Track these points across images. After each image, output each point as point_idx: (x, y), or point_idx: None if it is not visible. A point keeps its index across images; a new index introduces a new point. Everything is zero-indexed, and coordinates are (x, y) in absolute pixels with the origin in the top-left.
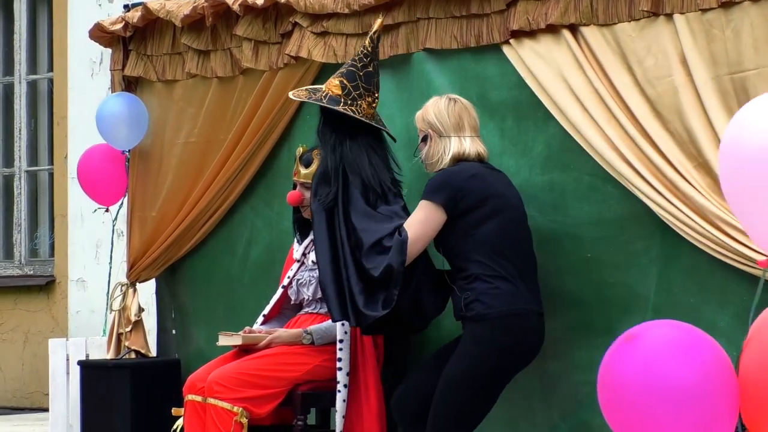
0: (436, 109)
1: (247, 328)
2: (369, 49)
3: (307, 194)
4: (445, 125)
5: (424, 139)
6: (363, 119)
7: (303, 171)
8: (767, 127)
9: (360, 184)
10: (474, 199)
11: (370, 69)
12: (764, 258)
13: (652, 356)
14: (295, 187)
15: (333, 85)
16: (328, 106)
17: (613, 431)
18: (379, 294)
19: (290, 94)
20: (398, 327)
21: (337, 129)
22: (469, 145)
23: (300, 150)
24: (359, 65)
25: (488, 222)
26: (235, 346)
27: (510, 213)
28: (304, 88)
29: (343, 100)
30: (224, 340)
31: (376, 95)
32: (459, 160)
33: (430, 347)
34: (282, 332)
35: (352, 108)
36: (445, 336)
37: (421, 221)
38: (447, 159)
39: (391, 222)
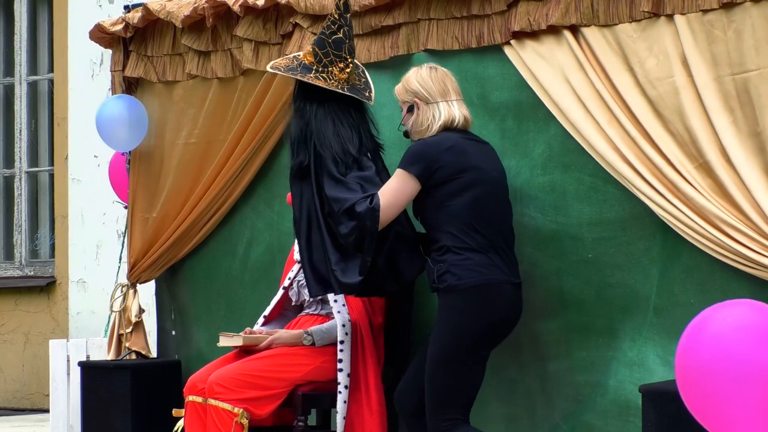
0: (418, 77)
1: (247, 329)
2: (336, 16)
3: None
4: (431, 92)
5: (410, 109)
6: (328, 88)
7: None
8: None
9: (329, 153)
10: (448, 172)
11: (339, 35)
12: None
13: (728, 336)
14: None
15: (307, 52)
16: (290, 75)
17: (692, 413)
18: (354, 261)
19: (268, 67)
20: (377, 289)
21: (307, 96)
22: (457, 108)
23: None
24: (327, 32)
25: (462, 195)
26: (235, 347)
27: (486, 186)
28: (284, 56)
29: (315, 67)
30: (225, 341)
31: (349, 60)
32: (447, 126)
33: None
34: (283, 333)
35: (323, 75)
36: None
37: (394, 190)
38: (437, 125)
39: (363, 190)
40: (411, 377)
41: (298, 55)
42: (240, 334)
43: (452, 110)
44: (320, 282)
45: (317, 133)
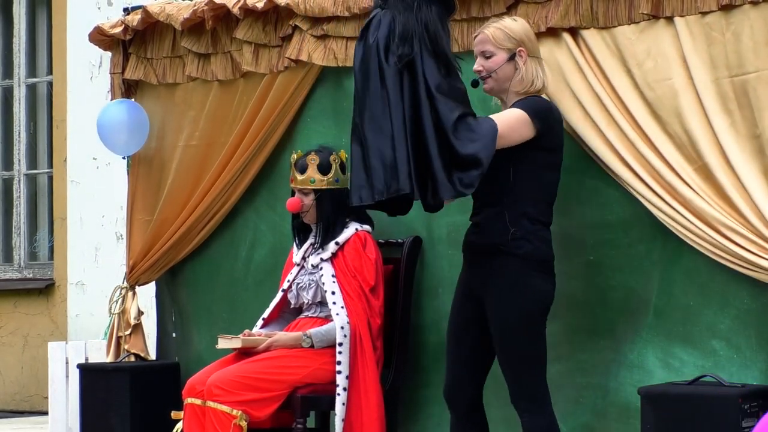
0: (521, 26)
1: (246, 331)
2: None
3: (306, 200)
4: (534, 45)
5: (511, 57)
6: None
7: (299, 177)
8: None
9: (438, 55)
10: (556, 144)
11: None
12: None
13: None
14: (293, 194)
15: None
16: None
17: None
18: (458, 173)
19: None
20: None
21: None
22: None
23: (294, 156)
24: None
25: (554, 170)
26: (234, 349)
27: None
28: None
29: None
30: (223, 342)
31: None
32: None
33: (429, 350)
34: (281, 335)
35: None
36: (444, 341)
37: (511, 126)
38: (540, 83)
39: (469, 105)
40: (458, 372)
41: None
42: (239, 336)
43: (546, 72)
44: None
45: (432, 34)
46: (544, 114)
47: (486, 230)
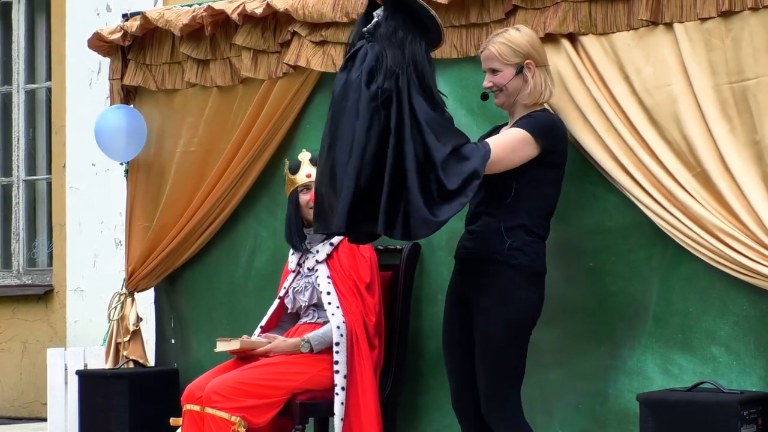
0: (526, 37)
1: (245, 336)
2: None
3: (305, 198)
4: (541, 55)
5: (519, 71)
6: (437, 19)
7: (297, 176)
8: None
9: (425, 90)
10: (561, 161)
11: None
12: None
13: None
14: (294, 198)
15: None
16: None
17: None
18: (442, 206)
19: None
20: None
21: (405, 26)
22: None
23: (287, 162)
24: None
25: (557, 185)
26: (232, 352)
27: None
28: None
29: None
30: (222, 345)
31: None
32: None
33: (428, 357)
34: (280, 342)
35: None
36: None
37: (511, 148)
38: (548, 93)
39: (463, 136)
40: (458, 381)
41: None
42: (237, 338)
43: (552, 80)
44: (387, 218)
45: (419, 68)
46: (548, 131)
47: (482, 238)
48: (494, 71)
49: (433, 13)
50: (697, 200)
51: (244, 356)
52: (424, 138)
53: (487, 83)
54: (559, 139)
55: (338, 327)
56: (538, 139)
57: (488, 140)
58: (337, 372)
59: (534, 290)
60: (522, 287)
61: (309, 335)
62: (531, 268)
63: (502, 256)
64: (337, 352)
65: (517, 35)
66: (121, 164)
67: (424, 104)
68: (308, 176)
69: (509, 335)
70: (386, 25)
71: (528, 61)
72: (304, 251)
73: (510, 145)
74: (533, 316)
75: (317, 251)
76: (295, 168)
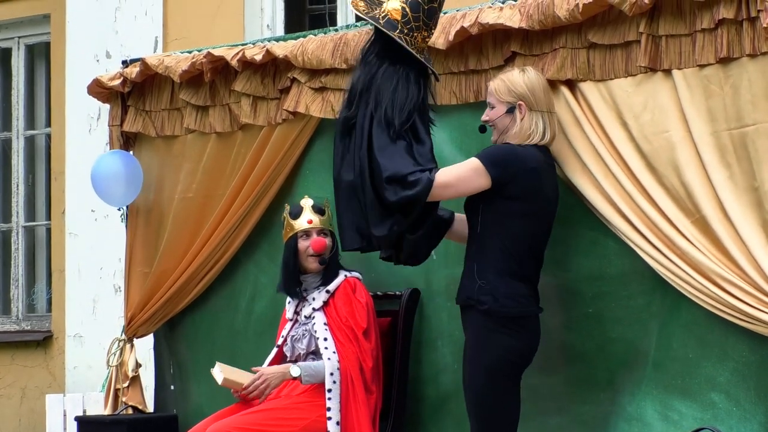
0: (527, 80)
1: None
2: None
3: (305, 244)
4: (538, 99)
5: (510, 110)
6: (413, 53)
7: (298, 222)
8: None
9: (388, 113)
10: (521, 192)
11: (435, 5)
12: None
13: None
14: (293, 242)
15: (393, 9)
16: (384, 30)
17: None
18: (390, 219)
19: (350, 3)
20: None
21: (381, 52)
22: (556, 124)
23: (286, 208)
24: None
25: (523, 219)
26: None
27: (546, 219)
28: None
29: (400, 27)
30: (216, 371)
31: (432, 31)
32: (543, 140)
33: (428, 403)
34: (267, 370)
35: (407, 38)
36: (443, 394)
37: (460, 176)
38: (537, 136)
39: (415, 161)
40: None
41: (382, 3)
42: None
43: (553, 125)
44: (360, 234)
45: (380, 91)
46: (501, 161)
47: (461, 283)
48: (491, 106)
49: (413, 50)
50: (696, 246)
51: (245, 398)
52: (377, 159)
53: (483, 116)
54: (515, 170)
55: (332, 374)
56: (489, 168)
57: (441, 168)
58: (330, 419)
59: (513, 334)
60: (497, 332)
61: (301, 363)
62: (500, 313)
63: (473, 301)
64: (329, 399)
65: (518, 76)
66: (118, 209)
67: (379, 132)
68: (309, 222)
69: (490, 382)
70: (367, 49)
71: (520, 102)
72: (300, 298)
73: (458, 172)
74: (514, 360)
75: (313, 299)
76: (297, 213)
